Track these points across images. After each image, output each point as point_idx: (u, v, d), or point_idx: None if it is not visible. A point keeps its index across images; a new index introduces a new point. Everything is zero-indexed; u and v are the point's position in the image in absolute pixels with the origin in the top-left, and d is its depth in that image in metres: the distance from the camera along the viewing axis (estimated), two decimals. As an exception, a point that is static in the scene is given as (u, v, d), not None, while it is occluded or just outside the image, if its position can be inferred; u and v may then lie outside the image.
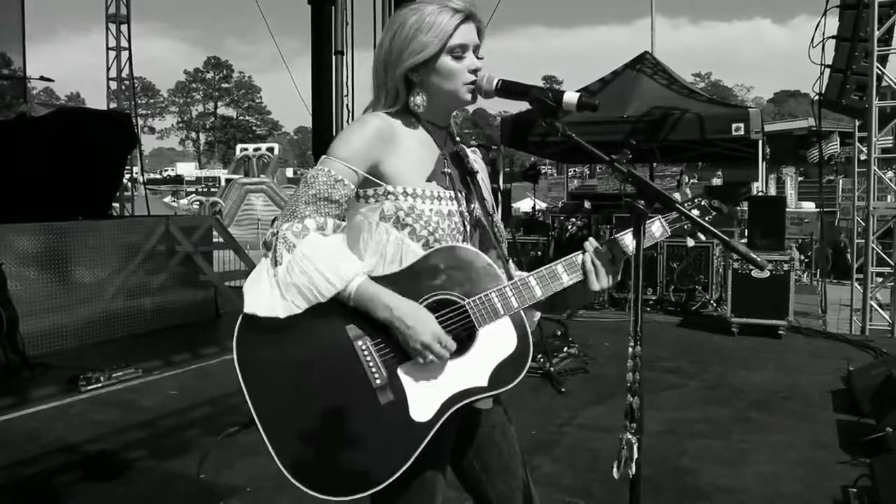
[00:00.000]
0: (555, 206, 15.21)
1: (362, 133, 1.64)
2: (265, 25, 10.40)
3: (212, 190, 32.45)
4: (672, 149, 11.79)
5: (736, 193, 11.33)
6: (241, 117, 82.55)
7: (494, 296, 1.64)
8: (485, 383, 1.60)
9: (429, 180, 1.71)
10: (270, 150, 28.47)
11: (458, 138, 1.87)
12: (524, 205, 25.89)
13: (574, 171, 31.78)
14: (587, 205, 11.46)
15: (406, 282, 1.60)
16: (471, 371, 1.61)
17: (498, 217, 1.90)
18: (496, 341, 1.63)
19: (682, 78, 11.08)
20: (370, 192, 1.65)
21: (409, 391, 1.57)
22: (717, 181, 22.02)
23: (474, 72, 1.70)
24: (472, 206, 1.77)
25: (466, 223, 1.75)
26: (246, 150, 28.76)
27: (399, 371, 1.57)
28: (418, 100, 1.71)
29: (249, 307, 1.54)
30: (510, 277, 1.71)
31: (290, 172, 40.00)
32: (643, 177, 1.57)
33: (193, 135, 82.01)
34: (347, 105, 7.19)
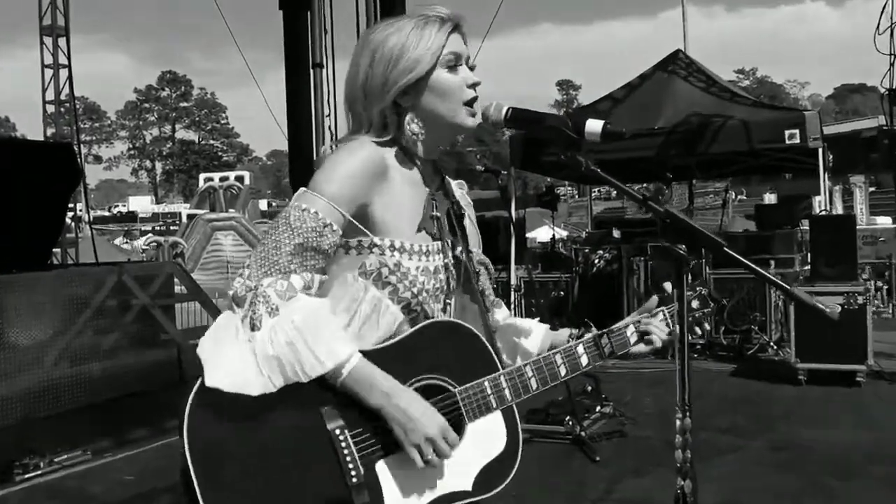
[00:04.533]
0: (577, 235, 15.24)
1: (352, 166, 1.66)
2: (229, 34, 10.51)
3: (171, 228, 32.62)
4: (714, 162, 11.85)
5: (793, 213, 11.38)
6: (205, 141, 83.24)
7: (488, 386, 1.68)
8: (469, 487, 1.63)
9: (418, 230, 1.73)
10: (240, 179, 28.68)
11: (440, 169, 1.89)
12: (541, 234, 25.90)
13: (598, 191, 31.93)
14: (616, 234, 11.51)
15: (392, 360, 1.61)
16: (455, 472, 1.62)
17: (486, 258, 1.95)
18: (484, 437, 1.67)
19: (721, 78, 11.16)
20: (353, 242, 1.67)
21: (386, 492, 1.57)
22: (769, 198, 22.10)
23: (473, 87, 1.74)
24: (459, 253, 1.81)
25: (451, 279, 1.77)
26: (211, 179, 28.99)
27: (378, 468, 1.58)
28: (414, 127, 1.73)
29: (212, 379, 1.51)
30: (490, 335, 1.77)
31: (263, 205, 40.18)
32: (681, 215, 1.57)
33: (148, 163, 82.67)
34: (329, 126, 7.23)
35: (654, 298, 1.87)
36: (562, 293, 10.48)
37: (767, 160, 11.52)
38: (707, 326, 1.94)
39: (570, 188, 41.22)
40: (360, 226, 1.66)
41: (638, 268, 9.92)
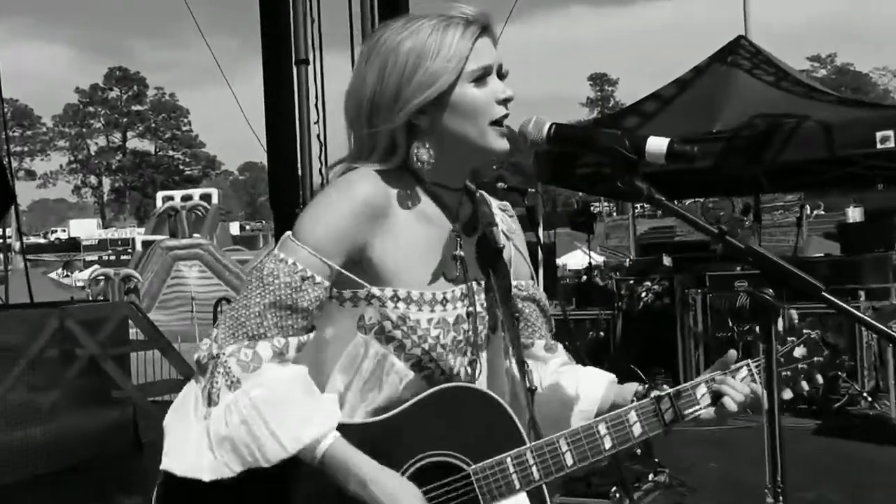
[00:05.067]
0: (619, 260, 15.19)
1: (344, 207, 1.69)
2: (191, 20, 10.53)
3: (123, 258, 32.69)
4: (786, 172, 11.81)
5: (886, 232, 11.32)
6: (162, 152, 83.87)
7: (510, 464, 1.69)
8: None
9: (434, 274, 1.76)
10: (206, 197, 28.74)
11: (478, 193, 1.93)
12: (573, 260, 25.97)
13: (642, 208, 31.91)
14: (667, 261, 11.50)
15: (392, 433, 1.65)
16: None
17: (540, 293, 2.00)
18: None
19: (793, 69, 11.16)
20: (346, 293, 1.72)
21: None
22: (854, 213, 22.01)
23: (504, 102, 1.75)
24: (491, 299, 1.84)
25: (482, 329, 1.81)
26: (171, 199, 29.08)
27: None
28: (423, 154, 1.74)
29: (165, 461, 1.58)
30: (530, 393, 1.80)
31: (235, 228, 40.45)
32: (769, 253, 1.57)
33: (93, 179, 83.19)
34: (317, 135, 7.23)
35: (733, 352, 1.85)
36: (601, 334, 10.46)
37: (853, 169, 11.51)
38: (820, 380, 1.89)
39: (606, 204, 41.28)
40: (352, 276, 1.70)
41: (694, 302, 9.87)
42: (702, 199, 12.92)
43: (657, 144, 1.64)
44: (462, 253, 1.80)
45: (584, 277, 13.81)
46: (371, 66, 1.75)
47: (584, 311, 10.74)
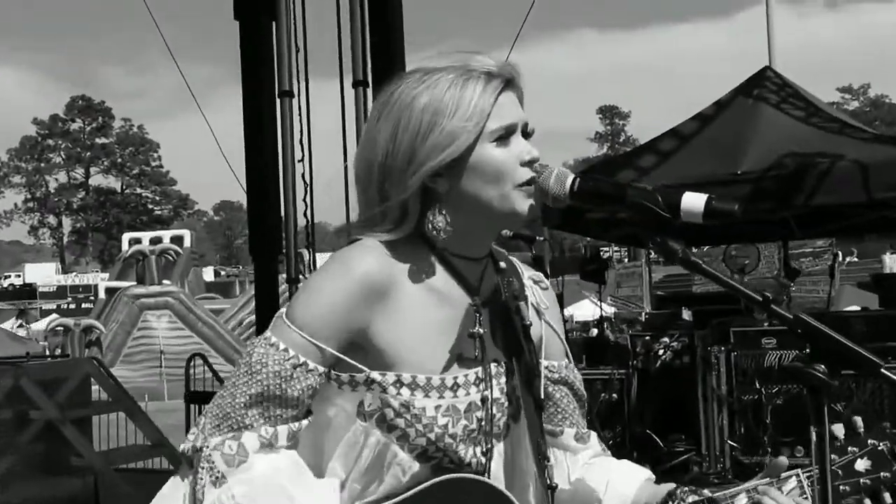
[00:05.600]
0: (631, 311, 15.13)
1: (343, 287, 1.69)
2: (162, 44, 10.52)
3: (84, 307, 32.65)
4: (817, 216, 11.81)
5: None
6: (129, 190, 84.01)
7: None
8: None
9: (447, 356, 1.74)
10: (177, 240, 28.87)
11: (505, 261, 1.92)
12: (581, 311, 25.96)
13: (656, 255, 31.99)
14: (686, 314, 11.50)
15: None
16: None
17: (574, 375, 2.01)
18: None
19: (821, 102, 11.18)
20: (344, 376, 1.72)
21: None
22: (891, 261, 22.07)
23: (530, 164, 1.74)
24: (513, 383, 1.82)
25: (500, 416, 1.79)
26: (138, 242, 29.21)
27: None
28: (439, 222, 1.73)
29: None
30: (550, 491, 1.79)
31: (209, 274, 40.36)
32: (822, 326, 1.55)
33: (51, 219, 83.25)
34: (302, 174, 7.22)
35: (783, 459, 1.81)
36: (615, 395, 10.35)
37: (890, 212, 11.50)
38: (888, 499, 1.82)
39: (616, 250, 41.31)
40: (350, 360, 1.70)
41: (717, 361, 9.77)
42: (724, 246, 12.89)
43: (693, 201, 1.63)
44: (481, 330, 1.78)
45: (595, 331, 13.76)
46: (383, 124, 1.74)
47: (596, 369, 10.64)
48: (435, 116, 1.69)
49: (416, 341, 1.73)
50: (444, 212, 1.73)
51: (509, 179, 1.72)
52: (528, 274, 2.00)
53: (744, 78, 11.29)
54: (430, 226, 1.73)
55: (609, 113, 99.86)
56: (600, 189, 1.72)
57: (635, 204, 1.67)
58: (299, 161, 7.10)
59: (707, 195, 1.64)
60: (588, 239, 15.87)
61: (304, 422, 1.70)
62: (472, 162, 1.71)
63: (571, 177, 1.72)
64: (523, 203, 1.73)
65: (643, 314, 14.62)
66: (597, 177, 1.76)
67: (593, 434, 2.03)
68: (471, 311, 1.79)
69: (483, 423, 1.75)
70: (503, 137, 1.73)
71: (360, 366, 1.70)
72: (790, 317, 1.60)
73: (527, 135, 1.78)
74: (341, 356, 1.69)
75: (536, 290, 1.99)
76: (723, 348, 9.74)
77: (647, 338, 10.59)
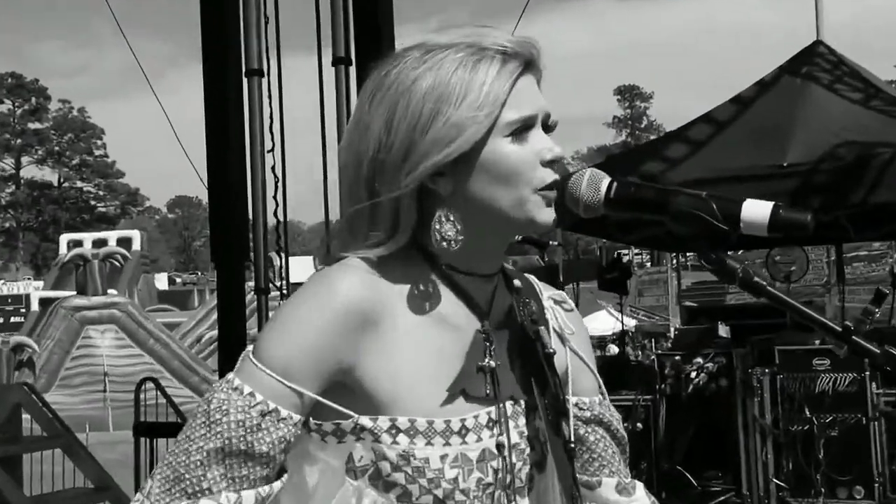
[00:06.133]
0: (656, 325, 15.11)
1: (321, 316, 1.65)
2: (107, 12, 10.39)
3: (13, 320, 32.68)
4: (876, 215, 11.75)
5: None
6: (68, 183, 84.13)
7: None
8: None
9: (451, 394, 1.69)
10: (125, 242, 28.90)
11: (516, 281, 1.88)
12: (596, 323, 25.92)
13: (683, 257, 31.90)
14: (723, 331, 11.45)
15: None
16: None
17: (611, 413, 1.99)
18: None
19: (881, 82, 11.15)
20: (328, 426, 1.68)
21: None
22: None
23: (552, 163, 1.69)
24: (535, 424, 1.79)
25: (515, 471, 1.74)
26: (79, 244, 29.16)
27: None
28: (448, 230, 1.68)
29: None
30: None
31: (162, 282, 40.58)
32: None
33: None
34: (272, 167, 7.20)
35: None
36: (639, 426, 10.36)
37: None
38: None
39: (638, 253, 41.46)
40: (333, 405, 1.65)
41: (760, 385, 9.78)
42: (767, 250, 12.86)
43: (757, 211, 1.58)
44: (493, 363, 1.72)
45: (614, 349, 13.76)
46: (376, 110, 1.68)
47: (617, 394, 10.57)
48: (439, 104, 1.63)
49: (414, 377, 1.68)
50: (452, 218, 1.67)
51: (526, 182, 1.67)
52: (547, 293, 1.96)
53: (788, 55, 11.26)
54: (437, 235, 1.67)
55: (628, 94, 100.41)
56: (642, 195, 1.66)
57: (684, 213, 1.62)
58: (269, 151, 7.11)
59: (773, 203, 1.60)
60: (604, 241, 15.87)
61: (277, 484, 1.63)
62: (482, 160, 1.65)
63: (606, 180, 1.67)
64: (543, 211, 1.69)
65: (671, 329, 14.61)
66: (636, 181, 1.69)
67: (639, 485, 2.00)
68: (480, 338, 1.74)
69: (500, 474, 1.70)
70: (520, 131, 1.68)
71: (346, 411, 1.65)
72: (877, 352, 1.55)
73: (548, 128, 1.73)
74: (322, 400, 1.63)
75: (559, 311, 1.95)
76: (766, 370, 9.74)
77: (677, 358, 10.59)
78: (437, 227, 1.67)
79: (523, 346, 1.79)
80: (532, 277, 1.97)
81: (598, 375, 1.97)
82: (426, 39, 1.71)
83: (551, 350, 1.81)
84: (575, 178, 1.68)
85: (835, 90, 10.55)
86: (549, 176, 1.68)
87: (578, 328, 1.96)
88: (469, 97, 1.63)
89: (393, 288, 1.70)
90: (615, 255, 13.84)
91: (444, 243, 1.67)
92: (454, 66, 1.65)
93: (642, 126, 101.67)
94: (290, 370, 1.61)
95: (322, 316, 1.63)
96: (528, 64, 1.70)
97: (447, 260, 1.73)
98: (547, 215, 1.69)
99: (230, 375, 1.64)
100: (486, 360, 1.72)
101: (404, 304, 1.70)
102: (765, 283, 1.63)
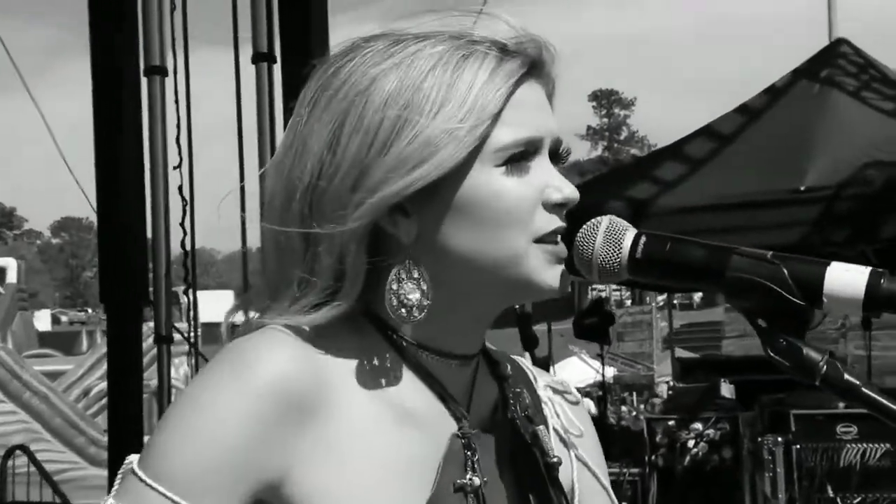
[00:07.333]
0: (638, 376, 15.12)
1: (238, 405, 1.46)
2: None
3: None
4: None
5: None
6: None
7: None
8: None
9: None
10: (-5, 273, 29.07)
11: (503, 365, 1.76)
12: (567, 372, 26.05)
13: (675, 300, 32.31)
14: (726, 390, 11.50)
15: None
16: None
17: None
18: None
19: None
20: None
21: None
22: None
23: (560, 207, 1.56)
24: None
25: None
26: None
27: None
28: (411, 293, 1.52)
29: None
30: None
31: (43, 321, 40.78)
32: None
33: None
34: (179, 186, 7.21)
35: None
36: (628, 501, 10.48)
37: None
38: None
39: (616, 289, 42.34)
40: None
41: (773, 457, 9.84)
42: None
43: (846, 281, 1.43)
44: (476, 480, 1.55)
45: (592, 408, 13.79)
46: (318, 121, 1.53)
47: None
48: (406, 111, 1.47)
49: (367, 493, 1.51)
50: (416, 275, 1.50)
51: (525, 229, 1.52)
52: (542, 381, 1.83)
53: (802, 54, 11.34)
54: (393, 299, 1.50)
55: (606, 100, 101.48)
56: (683, 256, 1.50)
57: (743, 282, 1.47)
58: (175, 168, 7.19)
59: (870, 269, 1.44)
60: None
61: None
62: (461, 194, 1.50)
63: (631, 233, 1.52)
64: (548, 271, 1.54)
65: (655, 379, 14.77)
66: (670, 235, 1.54)
67: None
68: (458, 445, 1.58)
69: None
70: (517, 159, 1.51)
71: None
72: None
73: (557, 158, 1.59)
74: None
75: (560, 403, 1.81)
76: (780, 439, 9.73)
77: (671, 423, 10.70)
78: (395, 287, 1.51)
79: (516, 455, 1.66)
80: (522, 360, 1.86)
81: (609, 490, 1.82)
82: (394, 28, 1.56)
83: (554, 459, 1.68)
84: (586, 231, 1.53)
85: (862, 98, 10.59)
86: (555, 222, 1.53)
87: (587, 427, 1.82)
88: (449, 106, 1.47)
89: (337, 366, 1.53)
90: (596, 298, 13.85)
91: (403, 310, 1.50)
92: (430, 64, 1.49)
93: (622, 138, 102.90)
94: (192, 488, 1.43)
95: (238, 406, 1.45)
96: (535, 67, 1.54)
97: (409, 334, 1.56)
98: (552, 277, 1.54)
99: (108, 499, 1.46)
100: (468, 476, 1.56)
101: (352, 390, 1.53)
102: (859, 383, 1.47)
